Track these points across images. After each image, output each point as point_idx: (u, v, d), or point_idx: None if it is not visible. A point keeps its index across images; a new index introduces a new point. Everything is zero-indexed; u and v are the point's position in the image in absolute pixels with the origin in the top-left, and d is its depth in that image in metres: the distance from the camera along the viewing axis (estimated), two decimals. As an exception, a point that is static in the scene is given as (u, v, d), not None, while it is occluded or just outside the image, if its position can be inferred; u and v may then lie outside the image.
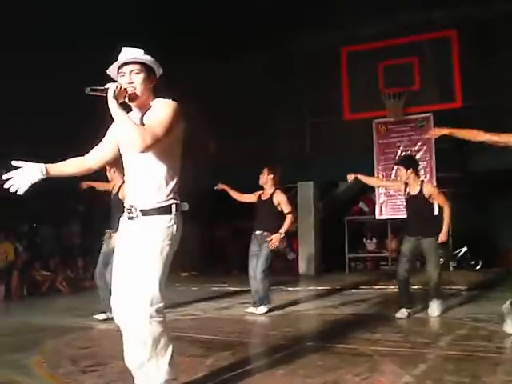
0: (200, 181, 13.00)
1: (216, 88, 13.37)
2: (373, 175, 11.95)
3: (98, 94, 3.14)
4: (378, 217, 12.30)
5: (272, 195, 7.25)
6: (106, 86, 3.14)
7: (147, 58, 3.31)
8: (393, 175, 11.49)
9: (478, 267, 13.07)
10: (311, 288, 10.84)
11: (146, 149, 3.11)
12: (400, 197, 11.72)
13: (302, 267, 13.70)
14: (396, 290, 9.44)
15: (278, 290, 10.31)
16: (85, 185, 7.42)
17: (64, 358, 4.94)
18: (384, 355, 4.63)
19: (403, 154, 11.68)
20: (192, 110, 13.59)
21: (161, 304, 3.21)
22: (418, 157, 11.46)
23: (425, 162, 11.41)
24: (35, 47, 10.64)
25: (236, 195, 7.80)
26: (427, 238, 6.56)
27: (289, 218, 7.16)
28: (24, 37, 10.70)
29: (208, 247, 15.02)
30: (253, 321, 6.87)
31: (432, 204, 6.81)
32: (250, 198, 7.60)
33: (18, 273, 10.35)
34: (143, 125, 3.20)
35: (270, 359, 4.58)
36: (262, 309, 7.13)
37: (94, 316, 6.82)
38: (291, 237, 15.36)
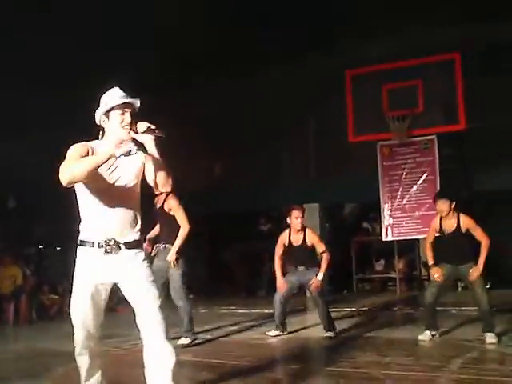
0: (207, 203, 13.11)
1: (222, 112, 13.50)
2: (378, 197, 12.00)
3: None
4: (384, 238, 12.28)
5: (305, 237, 7.22)
6: (135, 149, 3.47)
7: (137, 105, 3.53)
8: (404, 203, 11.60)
9: (488, 287, 12.97)
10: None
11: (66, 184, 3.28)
12: (405, 218, 11.78)
13: (309, 289, 13.65)
14: (405, 311, 9.52)
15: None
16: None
17: (75, 383, 4.95)
18: (396, 379, 4.63)
19: (406, 176, 11.73)
20: (196, 133, 13.76)
21: None
22: (422, 179, 11.53)
23: (429, 184, 11.44)
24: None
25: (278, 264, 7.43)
26: (466, 264, 6.45)
27: (326, 257, 7.17)
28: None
29: (215, 270, 15.02)
30: (262, 344, 6.87)
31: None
32: (280, 245, 7.38)
33: (26, 297, 10.39)
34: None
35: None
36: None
37: (178, 343, 6.42)
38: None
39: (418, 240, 13.57)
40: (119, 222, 3.46)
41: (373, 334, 7.43)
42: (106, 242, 3.40)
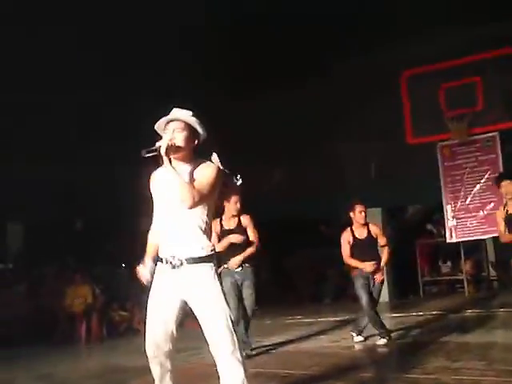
0: (269, 210, 13.12)
1: (278, 121, 13.51)
2: (441, 199, 11.80)
3: (153, 153, 3.45)
4: (448, 240, 12.08)
5: (369, 230, 7.30)
6: (158, 145, 3.45)
7: (191, 119, 3.61)
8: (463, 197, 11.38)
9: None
10: (386, 315, 10.69)
11: (194, 206, 3.44)
12: (470, 219, 11.54)
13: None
14: (475, 313, 9.30)
15: (353, 319, 10.23)
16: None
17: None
18: (468, 385, 4.54)
19: (468, 175, 11.51)
20: (257, 142, 13.76)
21: None
22: (485, 177, 11.28)
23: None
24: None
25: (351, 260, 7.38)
26: None
27: (388, 250, 7.32)
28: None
29: (278, 278, 15.03)
30: (332, 353, 6.83)
31: None
32: (345, 244, 7.35)
33: (97, 315, 10.66)
34: (189, 179, 3.52)
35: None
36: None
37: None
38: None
39: (484, 240, 13.29)
40: (178, 238, 3.54)
41: (442, 338, 7.26)
42: (172, 257, 3.50)
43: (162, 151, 3.40)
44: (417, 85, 11.90)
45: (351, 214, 7.30)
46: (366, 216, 7.28)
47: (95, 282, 11.39)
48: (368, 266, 7.08)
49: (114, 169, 12.08)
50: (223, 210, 6.99)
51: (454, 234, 11.81)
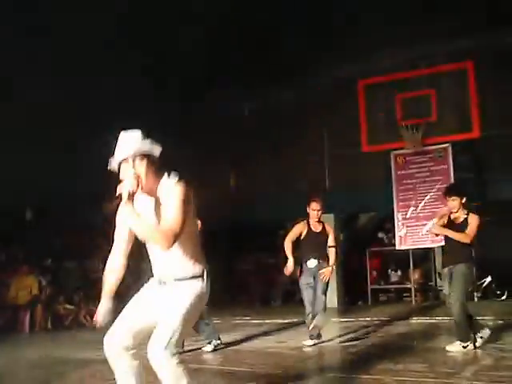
0: (221, 214, 13.13)
1: (237, 124, 13.59)
2: (392, 207, 11.98)
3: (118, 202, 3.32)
4: (398, 247, 12.27)
5: (324, 227, 7.45)
6: (120, 194, 3.31)
7: (139, 149, 3.42)
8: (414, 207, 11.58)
9: (504, 297, 12.90)
10: (335, 320, 10.80)
11: (172, 244, 3.28)
12: (419, 227, 11.73)
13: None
14: (419, 321, 9.48)
15: (301, 322, 10.29)
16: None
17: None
18: (408, 385, 4.61)
19: (420, 185, 11.73)
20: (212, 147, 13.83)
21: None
22: (436, 187, 11.50)
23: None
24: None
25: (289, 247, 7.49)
26: (457, 265, 6.21)
27: (335, 250, 7.42)
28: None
29: (230, 280, 15.03)
30: (277, 353, 6.86)
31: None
32: (296, 233, 7.48)
33: (41, 306, 10.50)
34: (157, 213, 3.39)
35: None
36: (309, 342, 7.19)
37: (203, 348, 6.93)
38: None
39: (433, 250, 13.54)
40: (165, 263, 3.50)
41: (387, 342, 7.44)
42: (161, 277, 3.51)
43: (123, 200, 3.30)
44: (373, 94, 12.07)
45: (308, 208, 7.41)
46: (320, 214, 7.40)
47: (42, 274, 11.21)
48: (290, 263, 7.24)
49: (73, 156, 11.74)
50: None
51: (403, 242, 11.98)
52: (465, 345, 6.20)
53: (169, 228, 3.26)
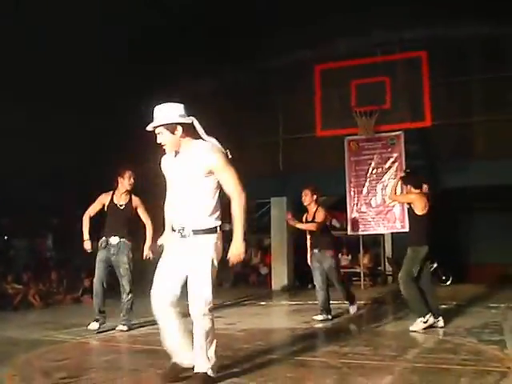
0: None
1: (191, 105, 13.46)
2: (344, 192, 12.13)
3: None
4: (349, 232, 12.44)
5: (315, 214, 7.97)
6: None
7: (166, 118, 4.18)
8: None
9: (449, 283, 13.27)
10: (283, 303, 10.95)
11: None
12: (371, 213, 11.92)
13: (275, 282, 13.75)
14: (367, 305, 9.67)
15: (251, 304, 10.40)
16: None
17: (36, 371, 4.97)
18: (352, 367, 4.72)
19: (373, 171, 11.91)
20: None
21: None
22: (389, 174, 11.69)
23: (396, 179, 11.58)
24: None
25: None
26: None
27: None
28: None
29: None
30: (225, 335, 6.89)
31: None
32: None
33: (-12, 286, 10.32)
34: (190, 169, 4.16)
35: (240, 372, 4.62)
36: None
37: (88, 327, 6.94)
38: (264, 252, 15.47)
39: (383, 236, 13.79)
40: (186, 213, 4.15)
41: (334, 326, 7.59)
42: (181, 228, 4.15)
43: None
44: (329, 80, 12.14)
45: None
46: (309, 199, 8.10)
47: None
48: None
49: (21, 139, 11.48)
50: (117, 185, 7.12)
51: (354, 227, 12.15)
52: (424, 320, 6.53)
53: (238, 184, 4.20)
